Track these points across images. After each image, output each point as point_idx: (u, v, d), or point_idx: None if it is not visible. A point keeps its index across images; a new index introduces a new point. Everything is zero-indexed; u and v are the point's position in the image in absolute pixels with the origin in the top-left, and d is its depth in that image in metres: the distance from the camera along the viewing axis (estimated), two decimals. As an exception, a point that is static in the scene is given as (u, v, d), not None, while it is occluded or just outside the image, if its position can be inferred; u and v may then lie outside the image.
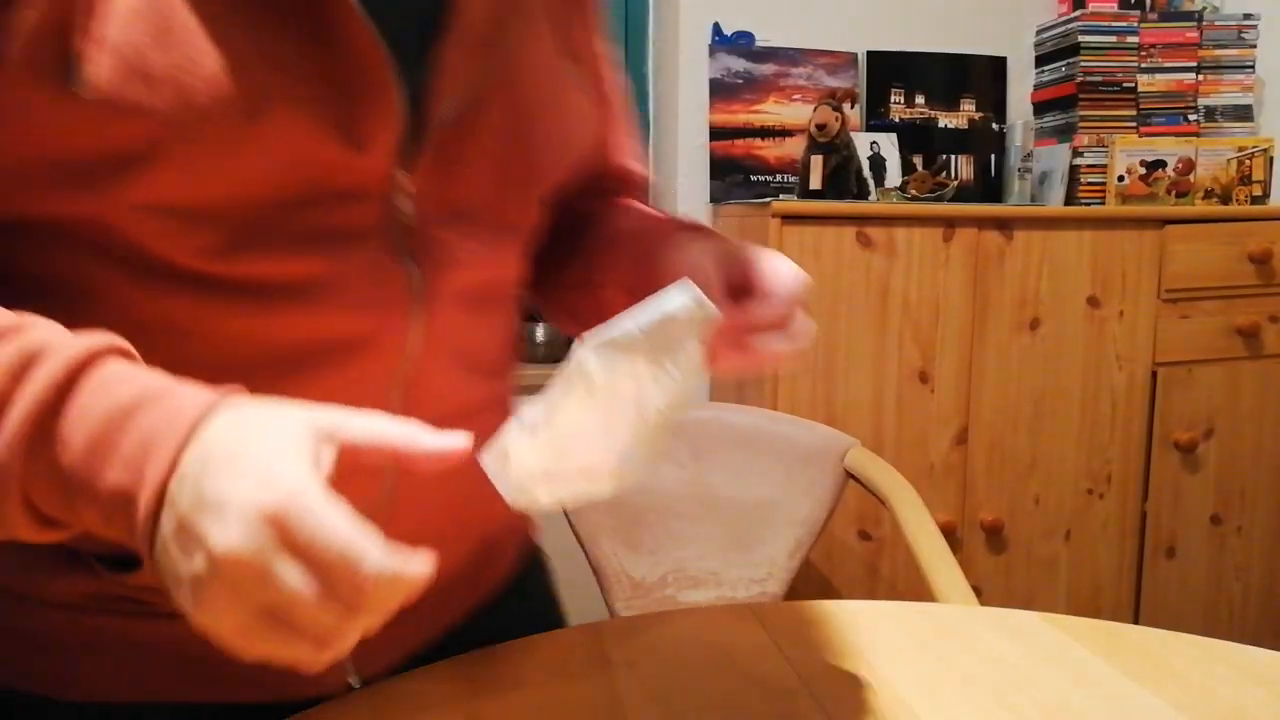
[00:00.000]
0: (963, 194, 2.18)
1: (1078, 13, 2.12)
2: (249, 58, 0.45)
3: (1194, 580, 2.06)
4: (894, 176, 2.11)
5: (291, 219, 0.48)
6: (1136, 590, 2.04)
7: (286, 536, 0.35)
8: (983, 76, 2.22)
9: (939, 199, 2.10)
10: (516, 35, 0.60)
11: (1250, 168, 2.09)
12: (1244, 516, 2.07)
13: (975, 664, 0.65)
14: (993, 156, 2.22)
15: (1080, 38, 2.09)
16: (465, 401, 0.62)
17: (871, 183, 2.08)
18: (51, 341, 0.40)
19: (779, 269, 0.58)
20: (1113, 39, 2.11)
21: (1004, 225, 1.87)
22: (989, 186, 2.22)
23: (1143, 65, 2.12)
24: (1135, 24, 2.11)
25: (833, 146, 2.02)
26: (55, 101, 0.43)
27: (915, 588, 1.81)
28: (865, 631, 0.70)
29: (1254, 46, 2.15)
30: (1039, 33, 2.24)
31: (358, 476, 0.41)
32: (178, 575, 0.37)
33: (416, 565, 0.36)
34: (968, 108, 2.21)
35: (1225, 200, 2.09)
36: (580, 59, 0.69)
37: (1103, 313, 1.94)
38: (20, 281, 0.48)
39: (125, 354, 0.42)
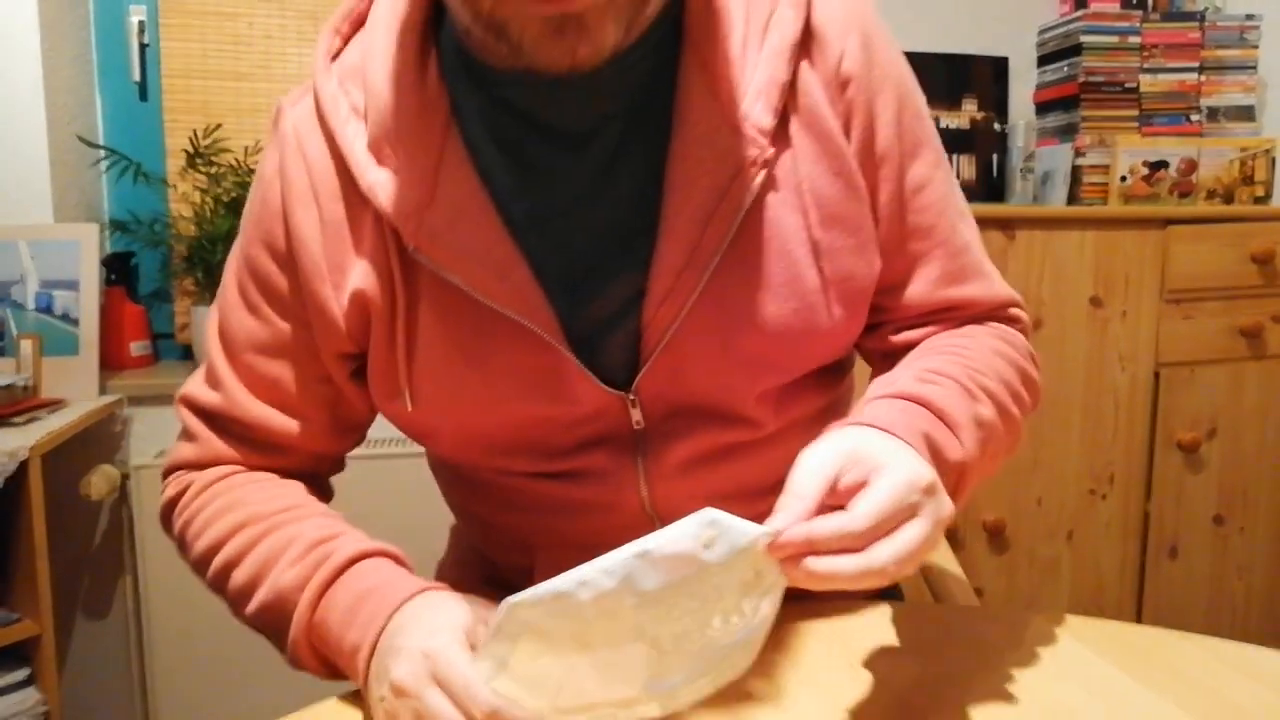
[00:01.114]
0: (965, 194, 2.18)
1: (1080, 13, 2.12)
2: (487, 373, 0.68)
3: (1196, 580, 2.06)
4: (896, 177, 2.10)
5: (547, 440, 0.71)
6: (1139, 590, 2.03)
7: (434, 670, 0.54)
8: (985, 76, 2.21)
9: (941, 199, 2.10)
10: (731, 251, 0.65)
11: (1253, 168, 2.09)
12: (1246, 517, 2.06)
13: (976, 664, 0.65)
14: (995, 157, 2.22)
15: (1082, 38, 2.09)
16: None
17: (873, 183, 2.07)
18: (341, 547, 0.66)
19: (873, 489, 0.52)
20: (1115, 39, 2.10)
21: (1006, 225, 1.87)
22: (991, 187, 2.22)
23: (1145, 65, 2.12)
24: (1137, 24, 2.11)
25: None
26: (390, 407, 0.72)
27: (916, 588, 1.81)
28: (865, 631, 0.70)
29: (1256, 47, 2.15)
30: (1041, 33, 2.24)
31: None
32: (374, 697, 0.58)
33: (517, 711, 0.51)
34: (969, 108, 2.20)
35: (1228, 200, 2.08)
36: (849, 224, 0.69)
37: (1105, 313, 1.93)
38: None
39: (381, 554, 0.67)
